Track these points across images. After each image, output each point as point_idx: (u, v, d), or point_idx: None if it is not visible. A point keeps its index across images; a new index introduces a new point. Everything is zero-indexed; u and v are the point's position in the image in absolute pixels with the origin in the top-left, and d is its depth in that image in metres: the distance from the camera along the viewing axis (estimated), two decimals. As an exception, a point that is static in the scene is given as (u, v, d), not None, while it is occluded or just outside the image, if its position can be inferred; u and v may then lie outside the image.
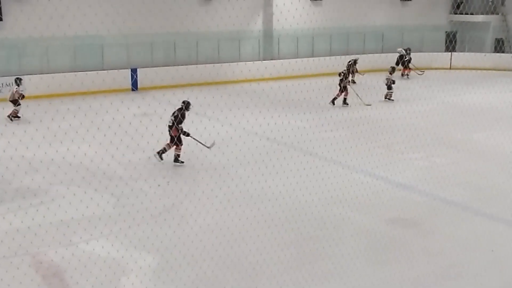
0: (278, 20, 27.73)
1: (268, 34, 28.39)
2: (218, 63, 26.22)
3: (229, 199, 11.28)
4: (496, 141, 15.40)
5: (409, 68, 27.98)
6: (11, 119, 18.35)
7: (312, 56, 28.70)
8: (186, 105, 13.72)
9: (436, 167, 13.79)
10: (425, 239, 9.77)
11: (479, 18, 32.02)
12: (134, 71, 24.19)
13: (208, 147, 13.94)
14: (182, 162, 13.67)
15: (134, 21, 24.29)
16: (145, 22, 24.68)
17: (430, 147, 15.37)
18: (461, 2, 31.71)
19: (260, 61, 26.80)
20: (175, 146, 13.55)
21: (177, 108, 13.79)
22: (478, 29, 32.45)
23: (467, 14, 31.83)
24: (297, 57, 28.22)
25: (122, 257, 8.88)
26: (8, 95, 18.75)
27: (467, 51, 31.85)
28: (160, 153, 13.75)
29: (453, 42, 31.92)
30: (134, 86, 24.17)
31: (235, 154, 14.28)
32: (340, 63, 26.65)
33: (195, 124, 14.51)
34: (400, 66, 27.56)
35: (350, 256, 9.01)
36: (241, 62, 26.51)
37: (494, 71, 29.54)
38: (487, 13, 31.77)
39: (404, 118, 17.72)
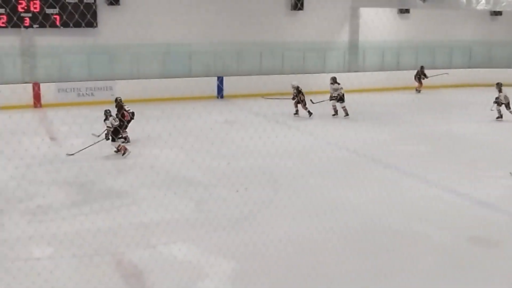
0: (363, 32, 27.55)
1: (353, 45, 28.22)
2: (304, 73, 26.17)
3: (307, 208, 11.23)
4: None
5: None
6: None
7: (398, 69, 28.30)
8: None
9: (522, 186, 13.29)
10: (506, 260, 9.43)
11: None
12: (220, 79, 24.61)
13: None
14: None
15: (221, 30, 24.68)
16: (232, 31, 24.98)
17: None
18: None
19: (345, 73, 26.57)
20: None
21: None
22: None
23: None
24: (382, 70, 27.88)
25: (198, 261, 8.98)
26: None
27: None
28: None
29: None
30: (220, 94, 24.60)
31: (315, 164, 14.26)
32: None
33: (276, 132, 14.54)
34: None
35: (430, 272, 8.82)
36: (326, 73, 26.30)
37: None
38: None
39: (488, 134, 17.18)
